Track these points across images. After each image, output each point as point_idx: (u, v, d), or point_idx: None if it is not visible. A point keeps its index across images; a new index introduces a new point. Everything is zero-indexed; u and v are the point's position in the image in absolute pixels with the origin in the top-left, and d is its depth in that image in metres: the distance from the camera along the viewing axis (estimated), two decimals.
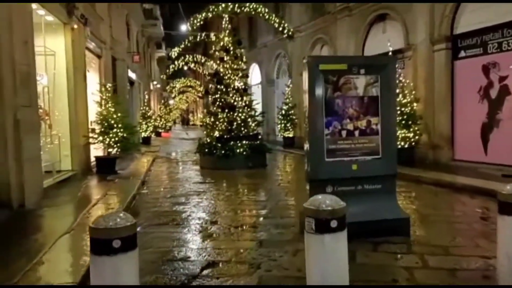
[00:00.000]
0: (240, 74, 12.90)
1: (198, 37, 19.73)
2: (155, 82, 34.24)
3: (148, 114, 22.88)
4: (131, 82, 20.81)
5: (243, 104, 12.68)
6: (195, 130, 47.36)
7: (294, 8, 18.61)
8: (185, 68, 62.10)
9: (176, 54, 19.49)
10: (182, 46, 19.65)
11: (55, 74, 9.58)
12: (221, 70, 12.76)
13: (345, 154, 5.02)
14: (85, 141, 10.23)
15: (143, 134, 22.18)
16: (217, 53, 13.21)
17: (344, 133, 5.04)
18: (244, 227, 5.66)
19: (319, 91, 4.93)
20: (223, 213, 6.52)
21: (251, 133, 12.41)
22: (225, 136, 12.16)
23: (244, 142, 12.11)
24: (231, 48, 12.74)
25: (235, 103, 12.52)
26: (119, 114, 10.54)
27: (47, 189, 7.63)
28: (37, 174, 6.98)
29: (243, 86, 12.83)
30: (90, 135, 10.37)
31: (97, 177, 9.92)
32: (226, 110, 12.39)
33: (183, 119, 70.82)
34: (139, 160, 13.77)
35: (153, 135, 23.62)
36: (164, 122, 32.66)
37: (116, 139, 10.35)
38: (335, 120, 5.00)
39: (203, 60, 27.55)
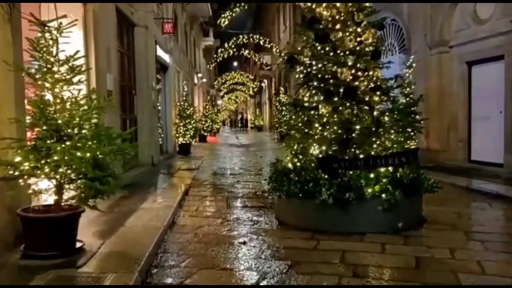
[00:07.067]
0: (364, 23, 6.06)
1: None
2: (200, 75, 28.10)
3: (188, 113, 16.50)
4: (164, 67, 14.56)
5: (371, 85, 5.82)
6: (243, 133, 41.21)
7: None
8: (235, 63, 56.42)
9: (227, 21, 13.10)
10: (237, 9, 13.27)
11: None
12: (325, 13, 5.98)
13: None
14: None
15: (180, 140, 15.86)
16: None
17: None
18: None
19: None
20: None
21: (398, 150, 5.54)
22: (338, 157, 5.37)
23: (382, 170, 5.30)
24: None
25: (357, 84, 5.70)
26: (82, 103, 4.02)
27: None
28: None
29: (371, 48, 5.95)
30: (11, 158, 3.98)
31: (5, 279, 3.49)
32: (336, 98, 5.59)
33: (231, 121, 65.52)
34: (158, 196, 7.27)
35: (194, 142, 17.21)
36: (211, 123, 26.35)
37: (74, 167, 3.84)
38: None
39: (261, 42, 20.98)
